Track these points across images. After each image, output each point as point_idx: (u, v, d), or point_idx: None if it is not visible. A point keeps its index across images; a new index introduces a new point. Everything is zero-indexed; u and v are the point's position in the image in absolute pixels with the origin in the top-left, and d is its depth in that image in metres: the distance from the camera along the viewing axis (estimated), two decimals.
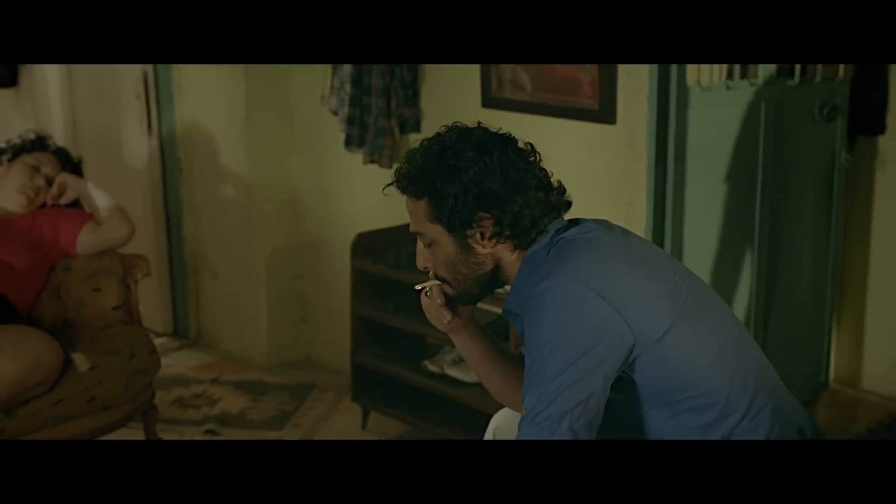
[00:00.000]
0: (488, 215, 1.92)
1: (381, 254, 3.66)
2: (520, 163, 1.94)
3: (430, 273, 2.06)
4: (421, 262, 2.03)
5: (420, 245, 2.02)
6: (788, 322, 3.77)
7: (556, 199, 1.99)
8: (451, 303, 2.09)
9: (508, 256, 1.98)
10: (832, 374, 4.03)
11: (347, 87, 3.85)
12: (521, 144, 1.98)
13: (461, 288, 2.02)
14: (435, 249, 1.99)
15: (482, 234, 1.95)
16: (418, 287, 2.09)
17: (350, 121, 3.89)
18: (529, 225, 1.95)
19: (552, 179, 2.00)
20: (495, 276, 2.01)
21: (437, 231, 1.97)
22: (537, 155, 1.99)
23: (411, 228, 2.01)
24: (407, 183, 1.97)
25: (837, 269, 3.90)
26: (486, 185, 1.91)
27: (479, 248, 1.96)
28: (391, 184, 2.01)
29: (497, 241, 1.96)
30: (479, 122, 2.01)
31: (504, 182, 1.91)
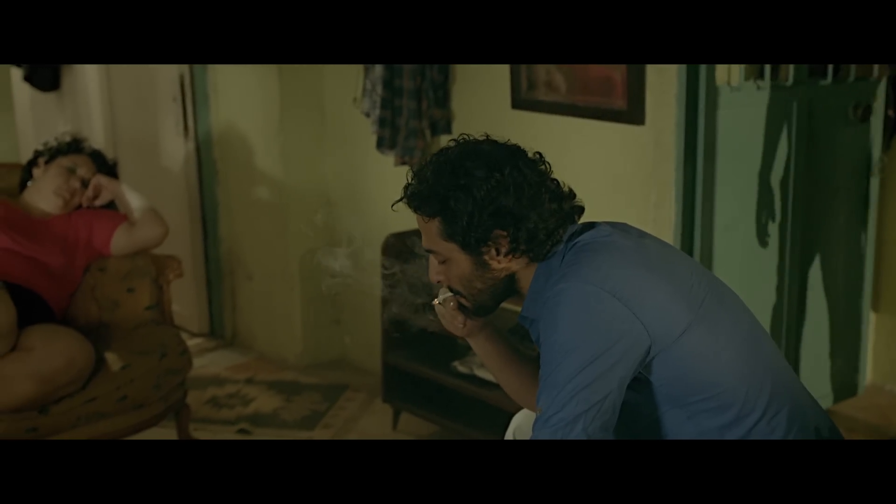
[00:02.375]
0: (504, 232, 1.91)
1: (411, 255, 3.67)
2: (532, 176, 1.92)
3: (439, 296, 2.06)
4: (434, 277, 2.03)
5: (433, 261, 2.01)
6: (822, 324, 3.73)
7: (569, 207, 1.97)
8: (464, 308, 2.08)
9: (523, 268, 1.98)
10: (868, 376, 3.98)
11: (379, 88, 3.87)
12: (530, 155, 1.96)
13: (476, 301, 2.02)
14: (449, 266, 1.98)
15: (497, 251, 1.94)
16: (435, 302, 2.09)
17: (382, 122, 3.91)
18: (545, 238, 1.93)
19: (563, 186, 1.98)
20: (510, 287, 2.00)
21: (451, 249, 1.95)
22: (547, 164, 1.97)
23: (424, 245, 2.00)
24: (419, 202, 1.95)
25: (872, 270, 3.86)
26: (501, 203, 1.89)
27: (494, 264, 1.96)
28: (400, 200, 1.98)
29: (513, 257, 1.95)
30: (487, 135, 1.99)
31: (518, 198, 1.90)
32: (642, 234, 2.02)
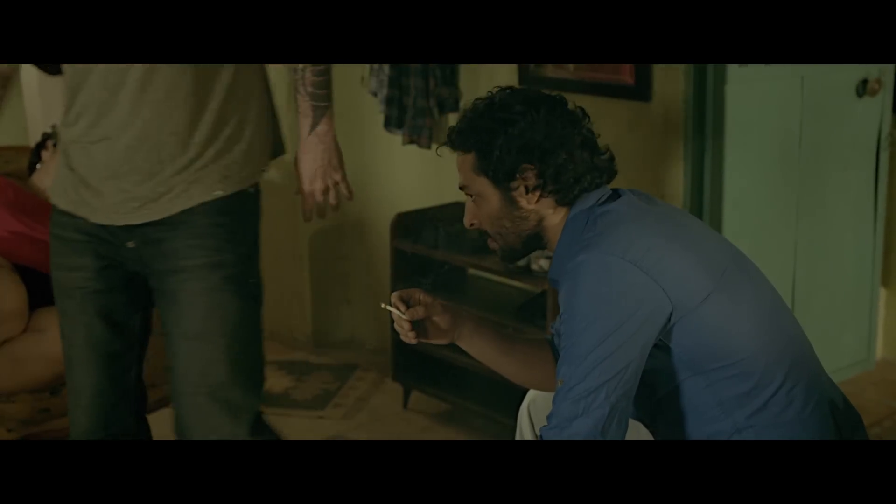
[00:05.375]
0: (531, 167, 1.95)
1: (420, 234, 3.68)
2: (566, 120, 1.97)
3: (391, 302, 2.07)
4: (468, 219, 2.06)
5: (467, 202, 2.06)
6: (833, 299, 3.73)
7: (602, 163, 2.01)
8: (417, 325, 2.09)
9: (551, 214, 2.00)
10: (878, 351, 3.98)
11: (386, 68, 3.87)
12: (570, 106, 2.01)
13: (504, 242, 2.05)
14: (480, 203, 2.02)
15: (526, 188, 1.97)
16: (384, 306, 2.11)
17: (389, 102, 3.91)
18: (572, 181, 1.96)
19: (602, 146, 2.02)
20: (538, 235, 2.03)
21: (483, 184, 2.00)
22: (587, 118, 2.01)
23: (459, 183, 2.04)
24: (456, 137, 2.02)
25: (882, 244, 3.85)
26: (530, 137, 1.94)
27: (522, 203, 1.99)
28: (443, 144, 2.05)
29: (540, 196, 1.97)
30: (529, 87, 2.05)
31: (548, 136, 1.94)
32: (665, 204, 2.06)
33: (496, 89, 2.02)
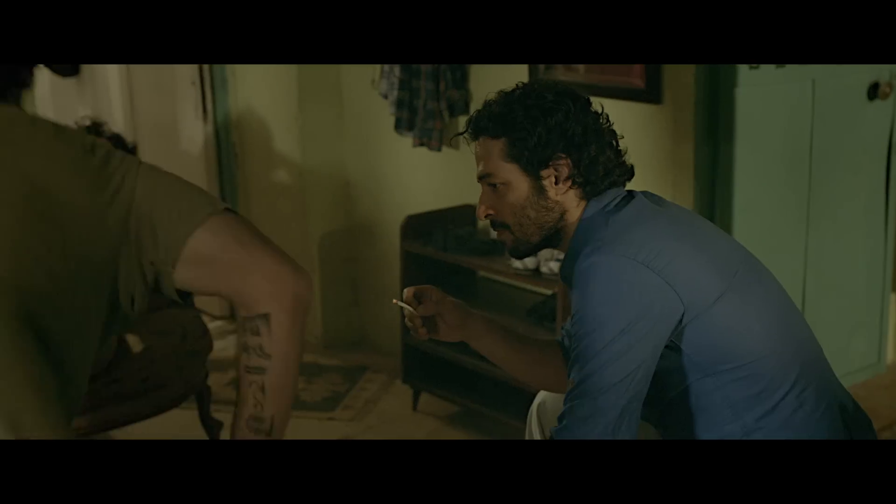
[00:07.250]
0: (566, 156, 1.95)
1: (430, 236, 3.68)
2: (595, 116, 2.00)
3: (403, 298, 2.08)
4: (482, 212, 2.03)
5: (484, 192, 2.02)
6: (843, 304, 3.72)
7: (625, 161, 2.03)
8: (427, 320, 2.11)
9: (573, 209, 1.99)
10: (889, 355, 3.97)
11: (397, 70, 3.88)
12: (595, 107, 2.03)
13: (523, 234, 2.02)
14: (504, 192, 1.99)
15: (557, 178, 1.97)
16: (395, 301, 2.12)
17: (399, 104, 3.92)
18: (602, 173, 1.98)
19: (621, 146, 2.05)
20: (557, 232, 2.02)
21: (511, 171, 1.97)
22: (610, 121, 2.03)
23: (481, 170, 2.00)
24: (487, 122, 1.99)
25: (892, 248, 3.84)
26: (569, 127, 1.94)
27: (551, 192, 1.98)
28: (464, 132, 2.03)
29: (569, 187, 1.97)
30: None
31: (585, 128, 1.96)
32: (677, 207, 2.06)
33: (522, 83, 2.01)
